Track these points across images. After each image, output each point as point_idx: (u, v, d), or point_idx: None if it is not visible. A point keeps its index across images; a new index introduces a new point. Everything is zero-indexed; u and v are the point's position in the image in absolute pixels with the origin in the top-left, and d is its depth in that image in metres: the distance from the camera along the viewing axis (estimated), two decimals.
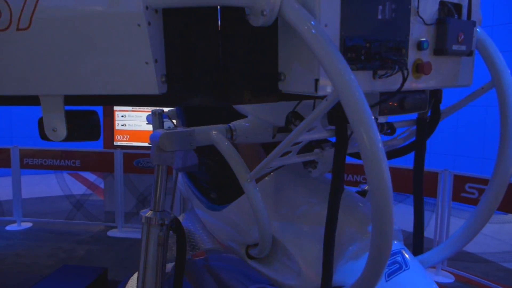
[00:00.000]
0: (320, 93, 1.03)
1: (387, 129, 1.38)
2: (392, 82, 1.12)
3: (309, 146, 1.39)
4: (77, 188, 6.70)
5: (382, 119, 1.36)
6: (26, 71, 1.17)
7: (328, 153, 1.37)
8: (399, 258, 1.38)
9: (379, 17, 1.10)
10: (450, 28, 1.20)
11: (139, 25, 1.02)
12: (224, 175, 1.96)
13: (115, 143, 5.02)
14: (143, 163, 4.77)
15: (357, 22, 1.07)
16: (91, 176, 6.91)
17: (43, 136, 1.26)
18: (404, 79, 1.10)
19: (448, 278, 3.73)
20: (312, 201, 1.58)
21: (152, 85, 1.07)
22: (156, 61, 1.06)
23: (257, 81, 1.17)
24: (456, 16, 1.25)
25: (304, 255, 1.46)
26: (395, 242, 1.42)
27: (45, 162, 5.11)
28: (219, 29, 1.11)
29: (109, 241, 4.64)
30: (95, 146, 6.36)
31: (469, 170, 4.28)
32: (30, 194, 6.68)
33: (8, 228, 5.01)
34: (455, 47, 1.22)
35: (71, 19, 1.08)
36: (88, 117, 1.35)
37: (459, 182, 3.72)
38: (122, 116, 4.97)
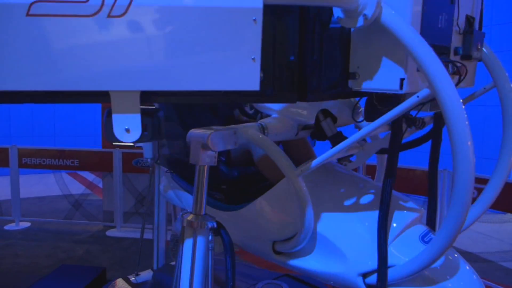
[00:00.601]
0: (405, 90, 1.16)
1: (420, 123, 1.57)
2: None
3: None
4: (76, 188, 6.69)
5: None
6: (108, 63, 1.01)
7: (367, 146, 1.53)
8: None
9: (439, 25, 1.25)
10: (475, 37, 1.42)
11: (255, 20, 1.02)
12: (240, 174, 1.99)
13: (113, 143, 5.01)
14: (142, 163, 4.76)
15: (429, 30, 1.19)
16: (89, 176, 6.90)
17: (110, 137, 1.11)
18: (460, 80, 1.31)
19: None
20: (342, 191, 1.64)
21: (255, 81, 1.08)
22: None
23: (331, 79, 1.25)
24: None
25: (346, 241, 1.49)
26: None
27: (43, 161, 5.10)
28: (299, 28, 1.17)
29: (107, 240, 4.63)
30: (94, 146, 6.36)
31: None
32: (29, 193, 6.66)
33: (6, 227, 5.00)
34: (475, 53, 1.44)
35: (178, 10, 1.01)
36: (154, 115, 1.24)
37: None
38: None
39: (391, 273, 1.36)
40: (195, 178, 1.32)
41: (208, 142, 1.25)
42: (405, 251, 1.41)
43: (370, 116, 1.32)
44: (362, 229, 1.48)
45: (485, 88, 1.59)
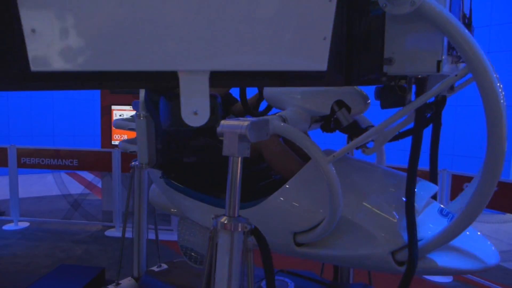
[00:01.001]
0: (443, 71, 1.23)
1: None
2: (454, 69, 1.35)
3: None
4: (75, 188, 6.68)
5: None
6: (178, 41, 0.96)
7: (387, 131, 1.57)
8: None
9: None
10: (471, 32, 1.45)
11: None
12: (253, 169, 2.04)
13: (112, 143, 5.01)
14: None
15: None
16: (88, 176, 6.90)
17: (176, 122, 1.07)
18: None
19: (446, 278, 3.74)
20: (361, 176, 1.71)
21: (323, 62, 1.08)
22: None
23: (370, 65, 1.29)
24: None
25: (373, 222, 1.54)
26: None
27: (42, 161, 5.09)
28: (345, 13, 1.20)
29: (106, 240, 4.62)
30: (93, 146, 6.35)
31: (467, 170, 4.28)
32: (28, 193, 6.65)
33: (5, 227, 4.99)
34: None
35: None
36: (213, 100, 1.18)
37: (458, 181, 3.72)
38: (120, 115, 4.95)
39: (421, 247, 1.42)
40: (229, 172, 1.29)
41: (246, 133, 1.23)
42: (429, 225, 1.53)
43: (387, 102, 1.40)
44: (386, 209, 1.55)
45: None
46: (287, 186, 1.67)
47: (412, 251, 1.39)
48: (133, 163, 2.63)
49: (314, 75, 1.13)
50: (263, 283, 2.40)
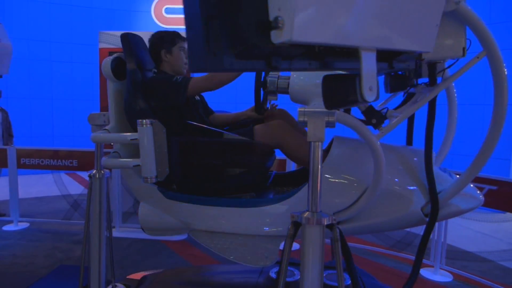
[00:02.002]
0: (465, 55, 1.58)
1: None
2: None
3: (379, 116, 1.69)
4: (75, 188, 6.68)
5: None
6: (360, 19, 1.01)
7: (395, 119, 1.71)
8: None
9: None
10: None
11: None
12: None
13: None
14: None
15: None
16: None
17: (355, 98, 1.14)
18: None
19: (447, 277, 3.73)
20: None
21: (431, 45, 1.26)
22: None
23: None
24: None
25: (403, 187, 1.78)
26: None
27: (42, 162, 5.08)
28: None
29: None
30: (93, 146, 6.33)
31: None
32: (27, 194, 6.65)
33: (5, 228, 4.99)
34: None
35: None
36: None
37: None
38: None
39: (442, 197, 1.74)
40: (311, 159, 1.33)
41: (334, 119, 1.31)
42: (440, 180, 1.80)
43: (398, 86, 1.70)
44: (410, 175, 1.80)
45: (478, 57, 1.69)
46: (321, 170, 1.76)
47: (435, 201, 1.70)
48: (92, 172, 2.43)
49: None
50: (272, 271, 2.42)
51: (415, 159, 1.85)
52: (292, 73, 1.93)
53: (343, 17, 0.93)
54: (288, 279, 2.34)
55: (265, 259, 1.82)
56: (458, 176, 1.85)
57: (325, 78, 1.21)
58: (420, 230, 4.61)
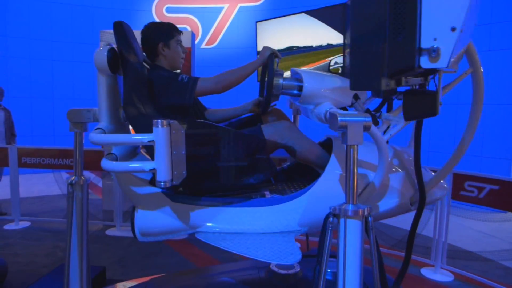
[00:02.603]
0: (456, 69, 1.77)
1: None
2: None
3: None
4: None
5: None
6: None
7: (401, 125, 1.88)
8: None
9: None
10: None
11: None
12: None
13: None
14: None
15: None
16: (89, 175, 6.91)
17: (434, 112, 1.56)
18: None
19: (447, 277, 3.73)
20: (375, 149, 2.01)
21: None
22: None
23: None
24: None
25: (394, 181, 1.95)
26: None
27: (43, 161, 5.09)
28: None
29: (107, 240, 4.62)
30: (93, 145, 6.33)
31: (468, 169, 4.27)
32: (28, 193, 6.67)
33: (6, 227, 5.00)
34: None
35: None
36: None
37: (458, 180, 3.71)
38: None
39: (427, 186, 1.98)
40: (349, 160, 1.47)
41: (370, 124, 1.46)
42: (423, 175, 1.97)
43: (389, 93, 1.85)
44: (400, 169, 2.00)
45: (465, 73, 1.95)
46: (331, 165, 1.91)
47: (423, 193, 1.91)
48: (72, 179, 2.16)
49: None
50: (272, 264, 2.45)
51: (405, 156, 2.06)
52: (304, 78, 1.99)
53: None
54: (288, 272, 2.39)
55: (291, 255, 1.80)
56: (433, 172, 2.12)
57: (408, 93, 1.46)
58: (420, 229, 4.60)
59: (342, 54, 2.31)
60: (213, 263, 3.94)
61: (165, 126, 1.68)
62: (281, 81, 2.03)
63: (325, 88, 1.99)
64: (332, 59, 2.31)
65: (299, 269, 2.42)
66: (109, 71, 1.90)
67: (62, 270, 3.34)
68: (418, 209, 1.97)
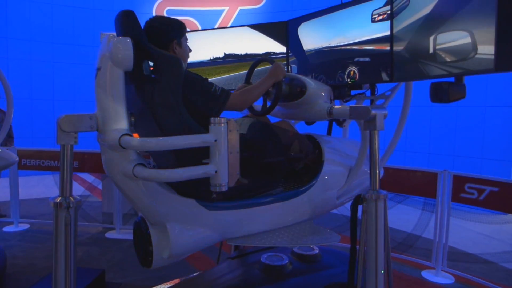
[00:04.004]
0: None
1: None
2: None
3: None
4: (75, 189, 6.66)
5: None
6: None
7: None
8: None
9: None
10: None
11: None
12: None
13: None
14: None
15: None
16: (89, 177, 6.87)
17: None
18: None
19: (448, 279, 3.72)
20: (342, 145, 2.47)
21: None
22: None
23: None
24: None
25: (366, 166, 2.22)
26: None
27: (42, 163, 5.09)
28: None
29: (107, 242, 4.61)
30: (93, 147, 6.33)
31: (468, 171, 4.27)
32: (28, 195, 6.65)
33: (5, 229, 4.99)
34: None
35: None
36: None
37: (459, 182, 3.70)
38: None
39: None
40: (371, 147, 1.86)
41: (386, 115, 1.94)
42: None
43: (340, 95, 2.43)
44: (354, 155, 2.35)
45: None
46: (328, 162, 2.19)
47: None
48: (58, 199, 1.62)
49: None
50: (263, 257, 2.50)
51: (356, 146, 2.39)
52: (308, 83, 2.23)
53: None
54: (276, 263, 2.44)
55: (330, 236, 2.06)
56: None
57: (432, 85, 1.80)
58: (421, 232, 4.58)
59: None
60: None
61: (223, 125, 1.58)
62: (283, 86, 2.23)
63: (323, 89, 2.26)
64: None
65: (287, 261, 2.50)
66: (132, 65, 1.61)
67: None
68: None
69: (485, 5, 1.51)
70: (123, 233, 4.85)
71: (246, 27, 2.98)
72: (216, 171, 1.57)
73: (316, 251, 2.66)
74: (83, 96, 9.23)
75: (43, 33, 9.14)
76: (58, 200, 1.62)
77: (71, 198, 1.63)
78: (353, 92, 2.42)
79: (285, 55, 2.86)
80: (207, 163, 1.62)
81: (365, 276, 1.85)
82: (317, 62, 2.60)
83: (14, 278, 3.55)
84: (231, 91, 1.91)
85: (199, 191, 1.79)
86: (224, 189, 1.61)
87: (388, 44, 2.03)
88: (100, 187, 5.71)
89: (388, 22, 2.02)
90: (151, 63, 1.73)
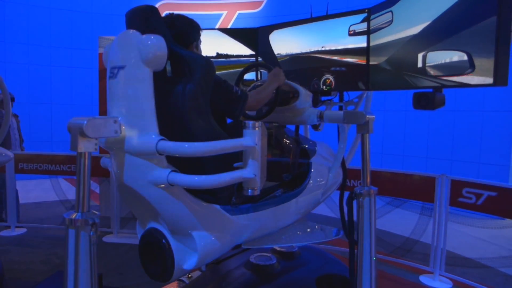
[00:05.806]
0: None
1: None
2: None
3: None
4: (73, 193, 6.63)
5: None
6: None
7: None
8: None
9: None
10: None
11: None
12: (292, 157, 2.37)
13: None
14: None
15: None
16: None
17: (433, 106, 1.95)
18: None
19: (446, 284, 3.71)
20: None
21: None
22: None
23: None
24: None
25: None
26: None
27: (40, 167, 5.07)
28: None
29: (104, 246, 4.59)
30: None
31: (466, 175, 4.27)
32: (25, 199, 6.62)
33: (2, 233, 4.96)
34: None
35: None
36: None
37: (457, 187, 3.70)
38: None
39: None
40: (365, 149, 2.01)
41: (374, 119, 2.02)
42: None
43: (314, 103, 2.49)
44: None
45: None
46: (315, 162, 2.34)
47: (345, 174, 2.49)
48: (73, 216, 1.34)
49: None
50: (252, 257, 2.50)
51: (325, 148, 2.56)
52: (298, 89, 2.35)
53: None
54: (265, 263, 2.45)
55: (331, 232, 2.20)
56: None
57: (415, 94, 1.95)
58: (419, 236, 4.57)
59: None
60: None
61: (257, 129, 1.55)
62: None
63: (308, 94, 2.40)
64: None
65: (275, 261, 2.49)
66: (164, 64, 1.50)
67: (58, 277, 3.31)
68: (341, 188, 2.49)
69: (485, 29, 1.64)
70: (121, 237, 4.83)
71: (216, 31, 3.18)
72: (255, 175, 1.55)
73: (296, 248, 2.67)
74: (81, 100, 9.24)
75: (41, 36, 9.14)
76: (74, 217, 1.35)
77: (93, 212, 1.39)
78: (322, 98, 2.59)
79: (254, 60, 3.05)
80: (239, 167, 1.57)
81: (361, 263, 2.10)
82: (290, 68, 2.76)
83: (11, 283, 3.53)
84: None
85: (220, 196, 1.75)
86: (257, 192, 1.59)
87: (364, 57, 2.39)
88: (97, 191, 5.70)
89: (365, 36, 2.37)
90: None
